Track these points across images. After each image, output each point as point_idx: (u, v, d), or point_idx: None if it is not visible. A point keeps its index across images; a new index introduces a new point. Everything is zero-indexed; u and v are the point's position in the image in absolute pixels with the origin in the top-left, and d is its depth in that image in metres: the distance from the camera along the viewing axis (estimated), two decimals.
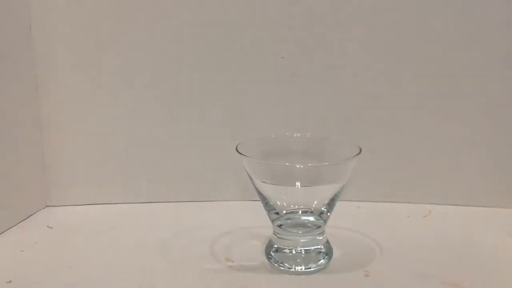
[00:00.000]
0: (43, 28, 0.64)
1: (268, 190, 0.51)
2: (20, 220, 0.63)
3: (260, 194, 0.51)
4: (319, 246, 0.52)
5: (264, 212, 0.53)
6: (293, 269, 0.51)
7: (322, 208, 0.51)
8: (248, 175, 0.51)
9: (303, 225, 0.52)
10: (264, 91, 0.66)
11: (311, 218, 0.52)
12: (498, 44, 0.63)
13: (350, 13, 0.63)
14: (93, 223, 0.63)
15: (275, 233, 0.52)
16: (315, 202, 0.51)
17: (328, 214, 0.52)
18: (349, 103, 0.66)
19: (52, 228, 0.62)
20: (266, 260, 0.52)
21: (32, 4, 0.63)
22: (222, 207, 0.67)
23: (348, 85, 0.65)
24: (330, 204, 0.51)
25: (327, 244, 0.52)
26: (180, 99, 0.67)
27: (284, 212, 0.52)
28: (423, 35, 0.63)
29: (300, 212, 0.52)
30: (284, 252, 0.51)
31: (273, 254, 0.52)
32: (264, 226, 0.55)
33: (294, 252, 0.51)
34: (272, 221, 0.52)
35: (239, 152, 0.50)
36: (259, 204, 0.52)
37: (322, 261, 0.51)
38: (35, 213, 0.66)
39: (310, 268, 0.51)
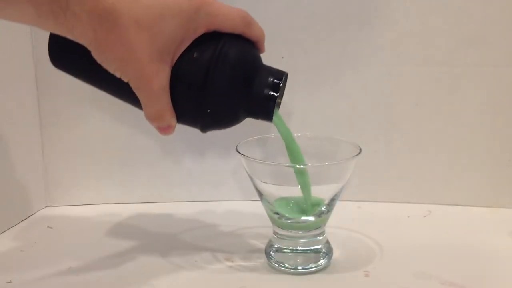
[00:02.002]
0: None
1: (268, 190, 0.51)
2: (20, 220, 0.64)
3: (260, 194, 0.52)
4: (319, 246, 0.52)
5: (264, 212, 0.53)
6: (293, 269, 0.51)
7: (322, 208, 0.51)
8: (248, 175, 0.51)
9: None
10: None
11: (311, 218, 0.52)
12: (498, 44, 0.63)
13: (350, 13, 0.64)
14: (93, 223, 0.63)
15: (275, 233, 0.52)
16: None
17: (328, 214, 0.52)
18: (349, 103, 0.66)
19: (52, 228, 0.62)
20: (266, 260, 0.52)
21: None
22: (222, 207, 0.67)
23: (348, 85, 0.65)
24: (330, 204, 0.51)
25: (327, 244, 0.52)
26: None
27: None
28: (423, 35, 0.63)
29: None
30: (284, 252, 0.51)
31: (273, 254, 0.52)
32: (264, 226, 0.56)
33: (294, 252, 0.51)
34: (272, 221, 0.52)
35: (239, 152, 0.50)
36: (259, 204, 0.52)
37: (322, 261, 0.51)
38: (35, 213, 0.66)
39: (310, 268, 0.51)
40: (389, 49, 0.64)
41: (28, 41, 0.64)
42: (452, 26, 0.63)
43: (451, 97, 0.65)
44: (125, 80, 0.42)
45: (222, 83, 0.44)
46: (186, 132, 0.68)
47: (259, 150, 0.54)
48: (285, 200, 0.52)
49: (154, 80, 0.42)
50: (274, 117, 0.47)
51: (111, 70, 0.42)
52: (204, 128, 0.46)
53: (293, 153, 0.50)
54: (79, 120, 0.66)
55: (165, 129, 0.46)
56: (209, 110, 0.44)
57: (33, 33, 0.64)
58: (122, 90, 0.44)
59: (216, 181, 0.69)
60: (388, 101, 0.65)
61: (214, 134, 0.68)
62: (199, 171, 0.68)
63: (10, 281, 0.49)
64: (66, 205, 0.68)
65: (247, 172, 0.51)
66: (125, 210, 0.66)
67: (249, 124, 0.66)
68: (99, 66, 0.42)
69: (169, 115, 0.44)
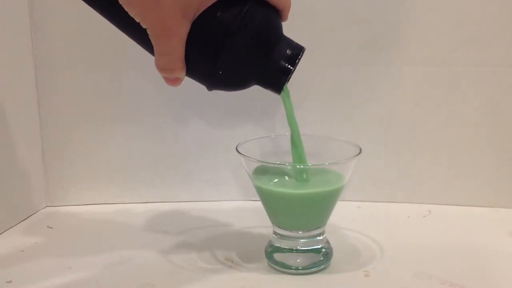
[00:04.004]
0: (43, 28, 0.64)
1: None
2: (20, 220, 0.63)
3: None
4: (319, 246, 0.52)
5: (264, 212, 0.53)
6: (293, 269, 0.51)
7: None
8: (248, 175, 0.51)
9: None
10: (264, 91, 0.66)
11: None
12: (498, 44, 0.63)
13: (350, 13, 0.64)
14: (93, 223, 0.63)
15: (275, 233, 0.52)
16: None
17: (329, 211, 0.52)
18: (349, 103, 0.66)
19: (52, 228, 0.62)
20: (266, 260, 0.52)
21: (32, 4, 0.63)
22: (222, 207, 0.67)
23: (348, 85, 0.65)
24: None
25: (327, 244, 0.52)
26: (180, 99, 0.67)
27: None
28: (423, 35, 0.63)
29: None
30: (284, 252, 0.51)
31: (273, 254, 0.52)
32: (264, 226, 0.55)
33: (294, 252, 0.51)
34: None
35: (239, 152, 0.50)
36: (259, 204, 0.52)
37: (322, 261, 0.51)
38: (35, 213, 0.66)
39: (310, 268, 0.51)
40: (389, 49, 0.64)
41: (28, 41, 0.64)
42: (452, 26, 0.63)
43: (451, 97, 0.65)
44: (144, 27, 0.42)
45: (240, 47, 0.43)
46: (186, 132, 0.68)
47: (259, 150, 0.54)
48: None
49: (173, 34, 0.42)
50: (282, 91, 0.46)
51: (131, 14, 0.41)
52: (211, 87, 0.45)
53: (293, 130, 0.50)
54: (79, 120, 0.66)
55: (172, 81, 0.45)
56: (220, 72, 0.43)
57: (33, 32, 0.64)
58: (138, 34, 0.43)
59: (216, 181, 0.69)
60: (388, 101, 0.65)
61: (214, 134, 0.68)
62: (199, 171, 0.68)
63: (10, 281, 0.49)
64: (66, 205, 0.68)
65: (247, 172, 0.51)
66: (125, 210, 0.67)
67: (249, 124, 0.67)
68: (120, 6, 0.41)
69: (180, 69, 0.44)
